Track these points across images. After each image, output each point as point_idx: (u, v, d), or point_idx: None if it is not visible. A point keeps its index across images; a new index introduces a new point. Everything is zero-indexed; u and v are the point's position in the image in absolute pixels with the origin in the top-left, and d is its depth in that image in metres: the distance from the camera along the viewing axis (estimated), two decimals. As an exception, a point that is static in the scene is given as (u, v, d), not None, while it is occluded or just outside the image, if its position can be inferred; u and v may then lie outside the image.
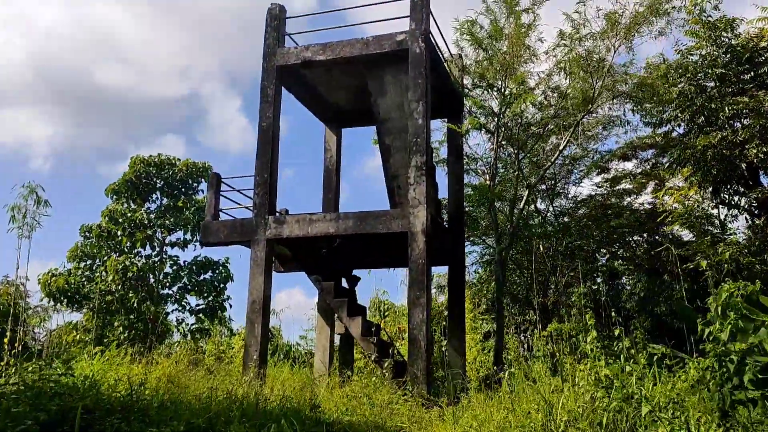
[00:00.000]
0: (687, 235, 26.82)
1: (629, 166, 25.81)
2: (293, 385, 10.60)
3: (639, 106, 13.14)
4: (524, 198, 13.03)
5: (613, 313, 6.80)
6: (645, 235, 25.83)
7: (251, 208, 12.16)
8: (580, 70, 12.13)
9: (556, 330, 16.26)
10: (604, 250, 25.00)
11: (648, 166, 25.53)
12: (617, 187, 25.37)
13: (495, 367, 12.95)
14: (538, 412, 5.40)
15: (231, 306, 18.72)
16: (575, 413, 5.09)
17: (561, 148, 13.42)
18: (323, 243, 12.37)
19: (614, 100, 12.59)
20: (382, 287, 37.34)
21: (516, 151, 13.42)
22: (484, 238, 19.03)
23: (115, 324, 17.42)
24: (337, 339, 13.66)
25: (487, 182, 13.95)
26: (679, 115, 14.28)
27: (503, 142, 13.64)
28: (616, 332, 6.48)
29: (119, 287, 17.08)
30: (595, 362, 5.95)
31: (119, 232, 17.42)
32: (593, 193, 25.88)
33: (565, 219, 23.03)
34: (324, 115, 14.72)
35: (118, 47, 54.31)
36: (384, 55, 11.87)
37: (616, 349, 6.15)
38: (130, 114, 60.91)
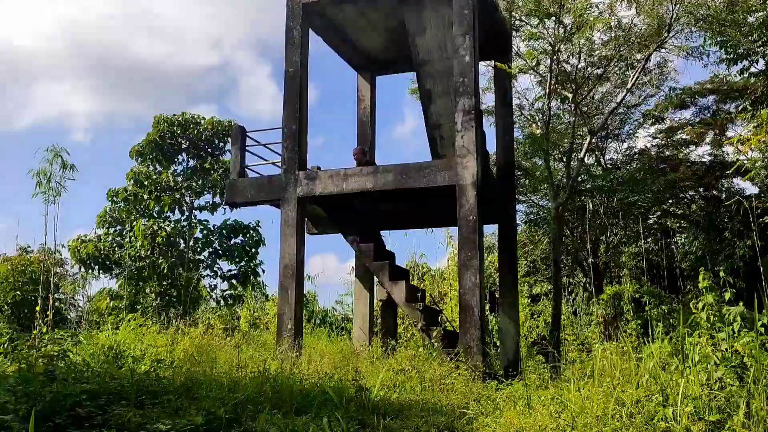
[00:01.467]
0: (749, 189, 24.86)
1: (687, 114, 23.82)
2: (332, 358, 9.60)
3: (718, 35, 11.38)
4: (585, 146, 11.58)
5: (722, 273, 5.47)
6: (701, 189, 23.97)
7: (280, 165, 11.04)
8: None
9: (615, 293, 14.93)
10: (656, 208, 23.30)
11: (708, 114, 23.51)
12: (674, 137, 23.46)
13: (552, 335, 11.77)
14: (649, 399, 4.19)
15: (264, 271, 17.86)
16: (701, 402, 3.89)
17: (629, 86, 11.80)
18: (360, 201, 11.21)
19: (695, 27, 10.87)
20: (420, 249, 36.34)
21: (573, 91, 11.85)
22: (529, 195, 17.61)
23: (147, 290, 16.74)
24: (378, 305, 12.60)
25: (539, 130, 12.52)
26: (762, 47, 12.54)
27: (557, 86, 12.13)
28: (727, 296, 5.18)
29: (149, 253, 16.31)
30: (716, 332, 4.67)
31: (145, 196, 16.55)
32: (648, 144, 24.00)
33: (619, 173, 21.36)
34: (356, 60, 13.37)
35: (150, 19, 53.54)
36: (423, -16, 10.45)
37: (729, 317, 4.88)
38: (164, 85, 60.47)
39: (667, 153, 23.36)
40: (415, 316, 9.74)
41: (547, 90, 12.12)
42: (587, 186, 12.10)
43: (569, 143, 12.37)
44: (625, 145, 21.77)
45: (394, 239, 27.54)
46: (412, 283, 12.93)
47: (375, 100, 13.71)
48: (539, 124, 12.46)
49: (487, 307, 13.38)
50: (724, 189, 23.86)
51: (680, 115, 23.50)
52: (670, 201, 23.55)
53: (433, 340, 9.43)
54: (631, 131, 21.23)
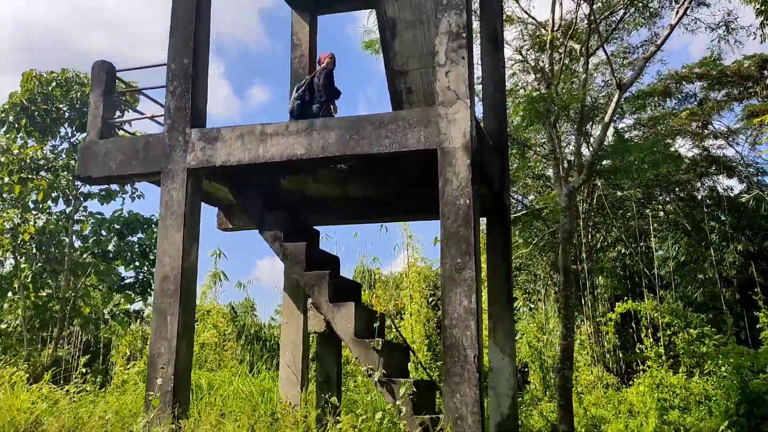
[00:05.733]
0: (737, 187, 22.25)
1: (671, 103, 21.04)
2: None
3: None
4: (612, 106, 8.11)
5: None
6: (677, 189, 21.25)
7: (160, 122, 7.15)
8: None
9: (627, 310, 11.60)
10: (650, 205, 20.39)
11: (693, 103, 20.77)
12: (656, 128, 20.65)
13: (561, 375, 8.27)
14: None
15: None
16: None
17: (675, 21, 8.36)
18: (286, 177, 7.44)
19: None
20: (372, 252, 32.38)
21: (593, 16, 8.23)
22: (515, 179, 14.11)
23: (6, 306, 12.47)
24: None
25: (540, 85, 9.01)
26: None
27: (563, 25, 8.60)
28: None
29: (8, 253, 12.05)
30: None
31: (5, 177, 12.23)
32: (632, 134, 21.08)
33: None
34: (291, -11, 9.56)
35: (99, 14, 48.97)
36: None
37: None
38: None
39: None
40: (371, 360, 5.99)
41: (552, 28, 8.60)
42: (609, 162, 8.73)
43: (580, 106, 8.91)
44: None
45: (340, 236, 23.41)
46: (363, 300, 9.20)
47: (315, 46, 9.90)
48: (545, 73, 8.92)
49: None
50: (706, 187, 21.25)
51: (664, 105, 20.74)
52: (655, 200, 20.73)
53: (398, 402, 5.73)
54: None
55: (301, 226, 7.59)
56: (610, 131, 9.05)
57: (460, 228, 5.88)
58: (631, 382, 13.19)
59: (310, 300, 6.72)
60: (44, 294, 13.56)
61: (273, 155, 6.53)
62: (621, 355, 15.12)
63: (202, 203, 8.49)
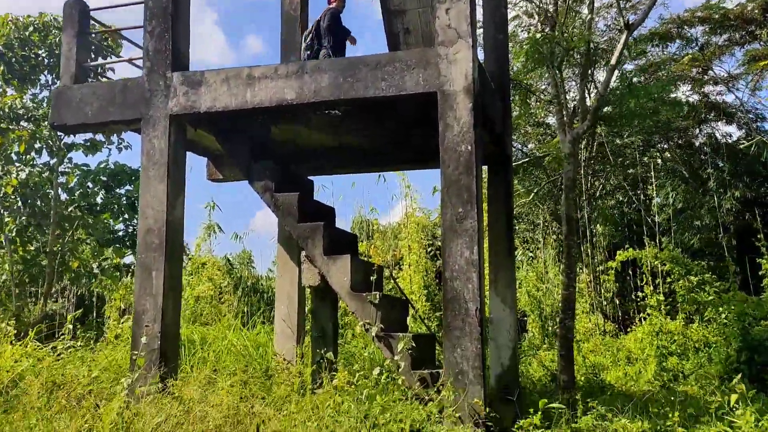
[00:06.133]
0: (736, 133, 21.84)
1: (672, 48, 20.36)
2: (226, 394, 5.53)
3: None
4: (619, 47, 7.63)
5: None
6: (675, 137, 20.83)
7: (140, 65, 6.67)
8: None
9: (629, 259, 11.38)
10: (650, 152, 20.01)
11: (695, 48, 20.11)
12: (657, 74, 20.05)
13: (563, 325, 8.09)
14: None
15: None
16: None
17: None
18: (276, 125, 7.02)
19: None
20: (369, 202, 31.99)
21: None
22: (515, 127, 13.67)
23: (-6, 261, 12.16)
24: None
25: (552, 21, 8.50)
26: None
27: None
28: None
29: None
30: None
31: (-16, 128, 11.72)
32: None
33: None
34: None
35: None
36: None
37: None
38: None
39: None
40: (368, 315, 5.74)
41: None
42: (610, 109, 8.32)
43: (585, 49, 8.41)
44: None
45: (337, 187, 23.00)
46: (361, 251, 8.95)
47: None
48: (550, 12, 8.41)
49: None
50: (705, 134, 20.84)
51: (665, 50, 20.10)
52: (654, 148, 20.34)
53: (397, 357, 5.51)
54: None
55: (293, 176, 7.22)
56: (615, 75, 8.63)
57: (461, 176, 5.53)
58: (629, 330, 13.14)
59: (303, 253, 6.42)
60: (32, 248, 13.26)
61: (261, 100, 6.11)
62: (618, 302, 15.07)
63: (191, 153, 8.15)
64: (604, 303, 14.28)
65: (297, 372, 6.03)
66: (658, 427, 5.18)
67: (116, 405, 5.03)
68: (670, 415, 5.41)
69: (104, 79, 7.49)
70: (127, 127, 6.70)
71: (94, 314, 15.21)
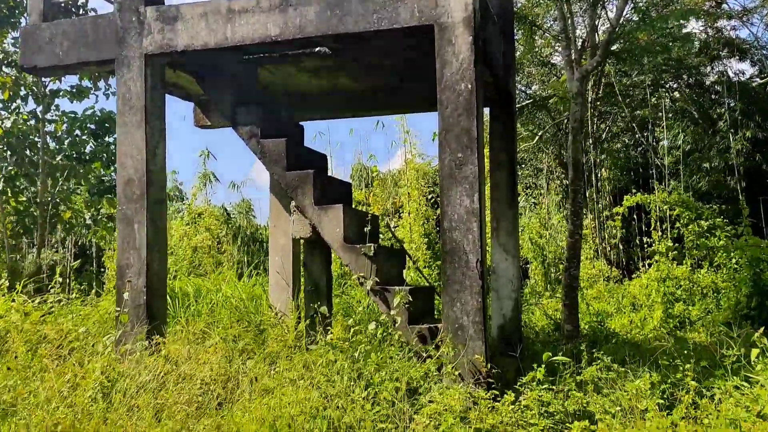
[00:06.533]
0: (749, 70, 21.06)
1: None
2: (218, 349, 5.27)
3: None
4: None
5: None
6: (687, 76, 20.07)
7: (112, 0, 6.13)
8: None
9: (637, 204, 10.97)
10: (659, 92, 19.34)
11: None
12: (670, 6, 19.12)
13: (568, 274, 7.78)
14: None
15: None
16: None
17: None
18: (262, 64, 6.52)
19: None
20: (369, 149, 31.42)
21: None
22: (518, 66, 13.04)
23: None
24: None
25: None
26: None
27: None
28: None
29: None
30: None
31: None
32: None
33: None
34: None
35: None
36: None
37: None
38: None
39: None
40: (362, 268, 5.41)
41: None
42: (624, 43, 7.74)
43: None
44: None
45: (334, 135, 22.45)
46: (360, 199, 8.55)
47: None
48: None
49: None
50: (716, 72, 20.06)
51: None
52: (663, 87, 19.62)
53: (393, 312, 5.21)
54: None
55: (282, 121, 6.77)
56: (628, 7, 7.99)
57: (460, 118, 5.09)
58: (633, 276, 12.89)
59: (293, 203, 6.05)
60: (24, 199, 12.95)
61: (243, 37, 5.61)
62: (621, 247, 14.79)
63: (176, 98, 7.68)
64: (608, 249, 13.97)
65: (290, 327, 5.76)
66: (669, 380, 4.92)
67: (99, 365, 4.78)
68: (681, 367, 5.15)
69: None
70: (100, 68, 6.24)
71: (94, 265, 15.02)
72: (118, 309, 5.47)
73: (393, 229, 11.06)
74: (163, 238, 5.90)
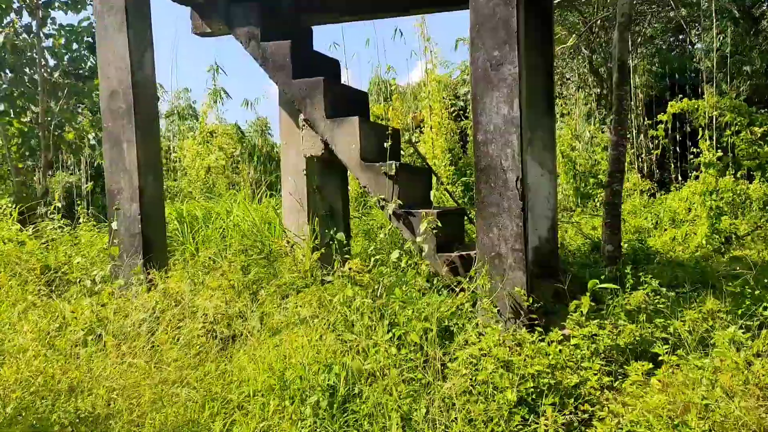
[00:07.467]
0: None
1: None
2: (222, 282, 4.71)
3: None
4: None
5: None
6: None
7: None
8: None
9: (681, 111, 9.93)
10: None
11: None
12: None
13: (610, 187, 7.02)
14: None
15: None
16: None
17: None
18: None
19: None
20: (387, 61, 29.91)
21: None
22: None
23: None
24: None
25: None
26: None
27: None
28: None
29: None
30: None
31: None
32: None
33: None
34: None
35: None
36: None
37: None
38: None
39: None
40: (383, 189, 4.72)
41: None
42: None
43: None
44: None
45: (349, 43, 21.18)
46: (378, 113, 7.74)
47: None
48: None
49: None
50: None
51: None
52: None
53: (419, 240, 4.56)
54: None
55: (287, 22, 5.89)
56: None
57: (497, 7, 4.21)
58: (672, 189, 12.08)
59: (301, 116, 5.30)
60: (27, 119, 12.33)
61: None
62: (655, 159, 13.87)
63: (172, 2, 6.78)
64: (647, 161, 13.07)
65: (305, 255, 5.17)
66: (740, 310, 4.27)
67: (87, 301, 4.26)
68: (748, 293, 4.50)
69: None
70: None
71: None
72: (114, 234, 4.90)
73: (415, 144, 10.27)
74: (156, 159, 5.24)
